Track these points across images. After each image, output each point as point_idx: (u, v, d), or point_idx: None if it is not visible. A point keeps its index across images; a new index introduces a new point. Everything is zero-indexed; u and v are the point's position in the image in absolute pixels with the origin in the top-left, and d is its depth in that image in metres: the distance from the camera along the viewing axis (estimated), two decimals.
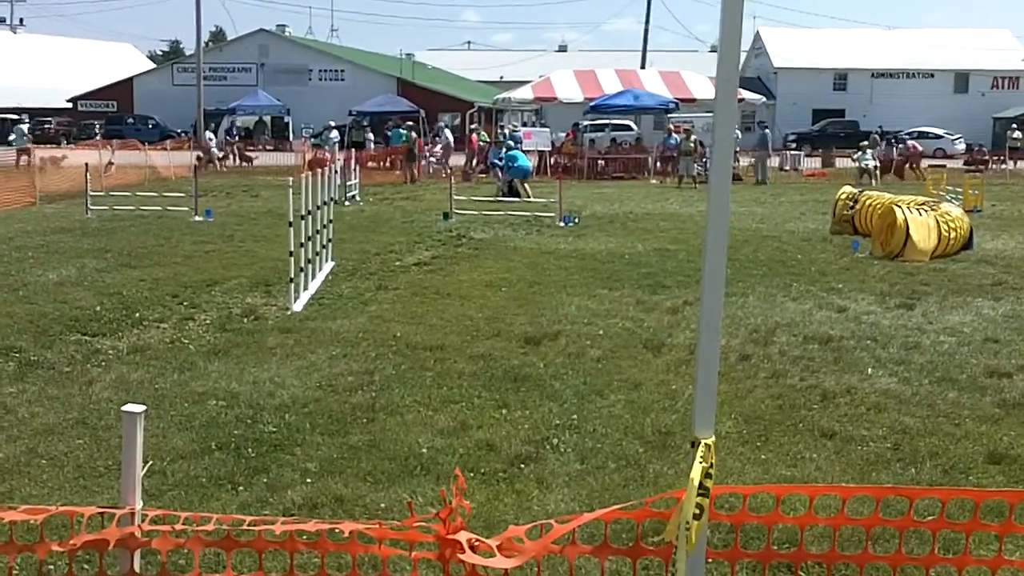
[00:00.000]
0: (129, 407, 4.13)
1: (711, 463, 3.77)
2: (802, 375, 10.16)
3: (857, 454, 7.88)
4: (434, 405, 8.98)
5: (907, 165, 44.24)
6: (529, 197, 28.91)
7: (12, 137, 46.62)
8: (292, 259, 13.27)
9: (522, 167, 31.19)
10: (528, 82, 55.29)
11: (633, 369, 10.33)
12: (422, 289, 14.77)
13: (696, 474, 3.71)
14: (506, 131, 43.97)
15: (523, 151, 35.01)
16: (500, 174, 38.25)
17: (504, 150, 33.04)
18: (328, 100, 72.26)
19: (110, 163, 37.89)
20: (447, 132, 45.71)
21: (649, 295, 14.44)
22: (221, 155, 47.70)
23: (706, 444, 3.77)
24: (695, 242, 20.11)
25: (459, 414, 8.70)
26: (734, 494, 5.53)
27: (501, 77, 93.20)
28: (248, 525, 4.20)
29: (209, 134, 49.98)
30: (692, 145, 39.69)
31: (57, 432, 8.10)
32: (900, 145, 46.37)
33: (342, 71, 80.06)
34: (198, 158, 47.77)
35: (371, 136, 50.80)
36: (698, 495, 3.72)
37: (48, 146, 49.72)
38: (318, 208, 15.32)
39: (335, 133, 48.16)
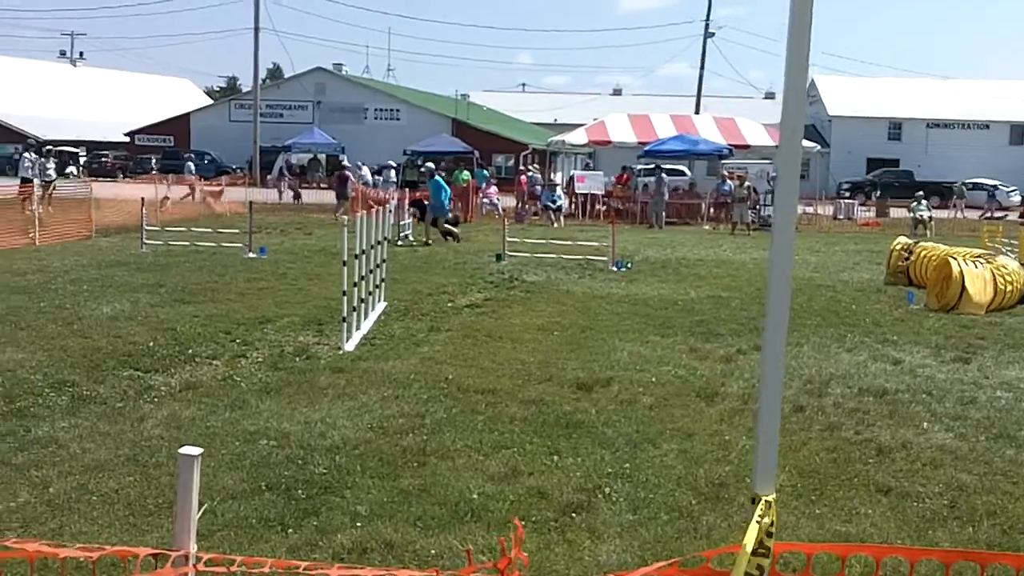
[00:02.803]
0: (186, 449, 4.11)
1: (772, 520, 3.68)
2: (857, 428, 10.03)
3: (913, 511, 7.74)
4: (485, 450, 8.92)
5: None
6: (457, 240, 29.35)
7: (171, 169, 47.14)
8: (345, 298, 13.29)
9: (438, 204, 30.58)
10: (582, 125, 55.14)
11: (686, 418, 10.23)
12: (474, 331, 14.73)
13: (751, 538, 3.59)
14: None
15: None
16: (552, 216, 38.31)
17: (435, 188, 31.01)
18: (383, 139, 72.61)
19: (165, 198, 38.18)
20: (392, 172, 46.18)
21: (702, 343, 14.33)
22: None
23: (767, 501, 3.68)
24: (748, 289, 20.00)
25: (510, 460, 8.64)
26: (795, 552, 5.42)
27: (555, 119, 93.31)
28: (303, 571, 4.16)
29: (379, 178, 50.30)
30: (746, 192, 39.68)
31: (108, 468, 8.10)
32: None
33: (397, 110, 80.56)
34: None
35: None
36: (758, 554, 3.61)
37: (105, 179, 50.05)
38: (372, 247, 15.33)
39: (392, 173, 48.30)
